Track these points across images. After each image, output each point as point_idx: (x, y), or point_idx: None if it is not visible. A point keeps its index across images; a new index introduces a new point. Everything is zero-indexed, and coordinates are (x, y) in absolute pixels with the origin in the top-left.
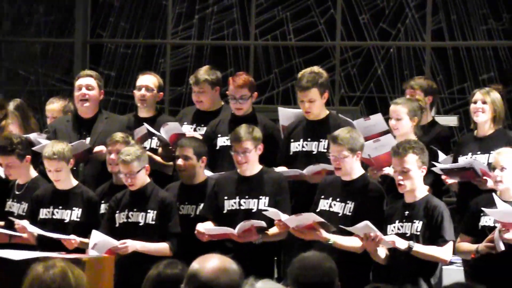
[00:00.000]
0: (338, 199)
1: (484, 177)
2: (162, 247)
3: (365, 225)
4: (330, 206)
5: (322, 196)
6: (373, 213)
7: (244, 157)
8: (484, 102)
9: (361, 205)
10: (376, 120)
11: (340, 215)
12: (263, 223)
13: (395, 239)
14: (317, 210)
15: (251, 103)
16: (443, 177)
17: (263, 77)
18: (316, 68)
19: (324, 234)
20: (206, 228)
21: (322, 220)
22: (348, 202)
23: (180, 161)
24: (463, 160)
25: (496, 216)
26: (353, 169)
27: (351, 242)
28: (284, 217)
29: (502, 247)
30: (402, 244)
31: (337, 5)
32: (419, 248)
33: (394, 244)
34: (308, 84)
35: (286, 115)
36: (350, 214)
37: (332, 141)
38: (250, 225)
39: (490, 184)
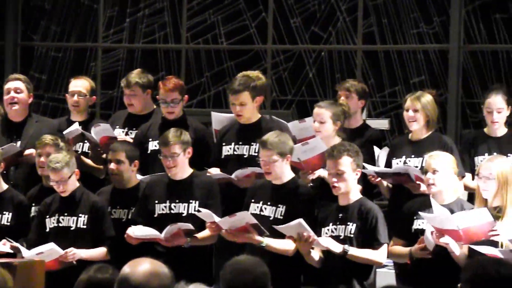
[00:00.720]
0: (268, 203)
1: (418, 182)
2: (101, 252)
3: (298, 224)
4: (261, 210)
5: (252, 200)
6: (304, 216)
7: (172, 161)
8: (415, 110)
9: (292, 208)
10: (311, 122)
11: (271, 219)
12: (190, 226)
13: (329, 243)
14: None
15: (182, 107)
16: (371, 178)
17: (195, 81)
18: (255, 73)
19: (257, 236)
20: (134, 231)
21: (256, 221)
22: (279, 206)
23: (112, 165)
24: (398, 166)
25: (433, 222)
26: (283, 173)
27: (283, 245)
28: (217, 218)
29: (433, 245)
30: (336, 248)
31: (269, 9)
32: (355, 251)
33: (327, 246)
34: (239, 87)
35: (218, 119)
36: (281, 218)
37: (261, 146)
38: (177, 228)
39: (423, 188)
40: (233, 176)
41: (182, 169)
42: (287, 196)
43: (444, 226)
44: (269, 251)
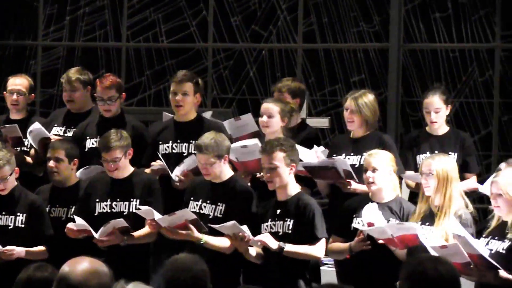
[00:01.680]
0: (208, 201)
1: (348, 180)
2: (40, 250)
3: (233, 225)
4: (200, 208)
5: (192, 198)
6: (243, 213)
7: (114, 165)
8: (353, 111)
9: (231, 206)
10: (247, 120)
11: (211, 217)
12: (124, 223)
13: (265, 239)
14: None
15: (120, 105)
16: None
17: (135, 79)
18: (192, 72)
19: (196, 233)
20: (74, 224)
21: (195, 217)
22: (218, 204)
23: (51, 163)
24: (325, 159)
25: (370, 233)
26: (222, 172)
27: (221, 242)
28: (157, 216)
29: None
30: (273, 244)
31: (209, 7)
32: (291, 248)
33: (264, 244)
34: (184, 77)
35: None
36: (221, 216)
37: (197, 150)
38: (112, 227)
39: (354, 186)
40: (173, 176)
41: (122, 169)
42: (226, 194)
43: (380, 237)
44: (208, 248)
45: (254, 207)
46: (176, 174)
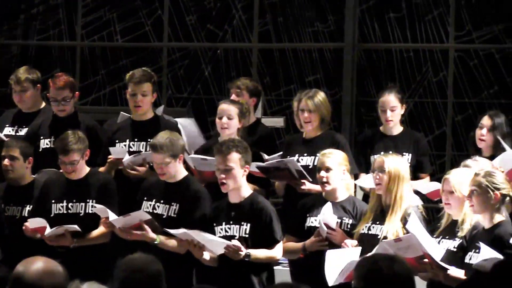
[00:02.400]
0: (162, 201)
1: (302, 180)
2: None
3: (183, 233)
4: (154, 208)
5: (145, 198)
6: (197, 215)
7: (71, 167)
8: (309, 111)
9: (185, 206)
10: (187, 123)
11: (164, 217)
12: (76, 228)
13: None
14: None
15: (73, 104)
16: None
17: (90, 79)
18: (147, 69)
19: (151, 234)
20: (32, 220)
21: (149, 217)
22: (172, 204)
23: (6, 161)
24: (279, 160)
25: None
26: (177, 172)
27: (175, 243)
28: (112, 216)
29: (325, 228)
30: (237, 256)
31: (164, 6)
32: (256, 253)
33: (237, 255)
34: (143, 77)
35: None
36: (175, 216)
37: (152, 149)
38: (64, 230)
39: (308, 186)
40: (124, 163)
41: (79, 170)
42: (180, 194)
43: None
44: (162, 248)
45: (208, 208)
46: (129, 161)
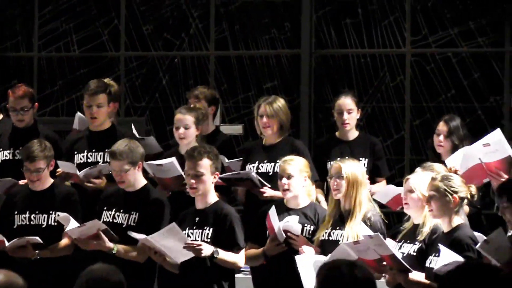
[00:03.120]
0: (121, 210)
1: (263, 188)
2: None
3: (144, 239)
4: (114, 217)
5: (105, 208)
6: (157, 222)
7: (37, 176)
8: (268, 116)
9: (144, 215)
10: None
11: (124, 226)
12: (38, 240)
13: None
14: (100, 221)
15: (33, 115)
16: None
17: (48, 89)
18: (107, 80)
19: (108, 243)
20: None
21: (105, 226)
22: (132, 212)
23: None
24: (241, 171)
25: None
26: (136, 180)
27: (134, 251)
28: (69, 227)
29: (283, 235)
30: (207, 250)
31: (121, 16)
32: (223, 254)
33: (199, 251)
34: (97, 89)
35: (83, 121)
36: (134, 224)
37: (111, 157)
38: (25, 241)
39: (269, 193)
40: (80, 175)
41: (43, 180)
42: (140, 203)
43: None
44: (122, 258)
45: (167, 215)
46: (85, 174)
